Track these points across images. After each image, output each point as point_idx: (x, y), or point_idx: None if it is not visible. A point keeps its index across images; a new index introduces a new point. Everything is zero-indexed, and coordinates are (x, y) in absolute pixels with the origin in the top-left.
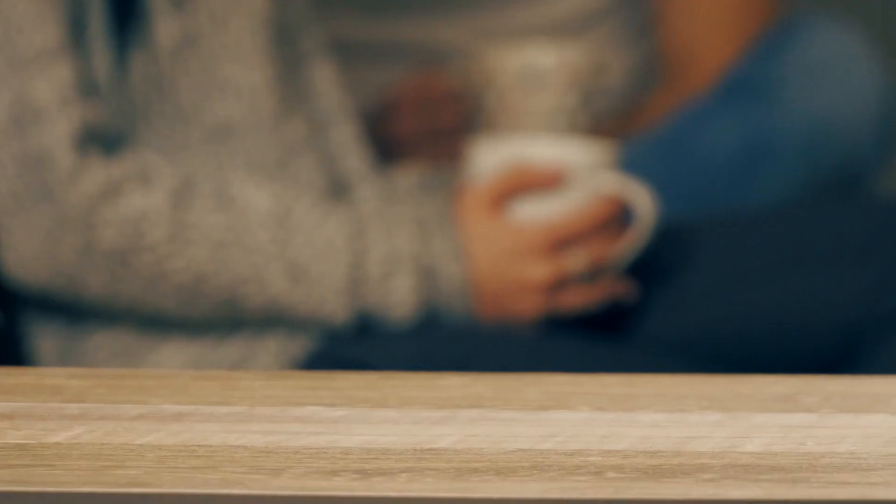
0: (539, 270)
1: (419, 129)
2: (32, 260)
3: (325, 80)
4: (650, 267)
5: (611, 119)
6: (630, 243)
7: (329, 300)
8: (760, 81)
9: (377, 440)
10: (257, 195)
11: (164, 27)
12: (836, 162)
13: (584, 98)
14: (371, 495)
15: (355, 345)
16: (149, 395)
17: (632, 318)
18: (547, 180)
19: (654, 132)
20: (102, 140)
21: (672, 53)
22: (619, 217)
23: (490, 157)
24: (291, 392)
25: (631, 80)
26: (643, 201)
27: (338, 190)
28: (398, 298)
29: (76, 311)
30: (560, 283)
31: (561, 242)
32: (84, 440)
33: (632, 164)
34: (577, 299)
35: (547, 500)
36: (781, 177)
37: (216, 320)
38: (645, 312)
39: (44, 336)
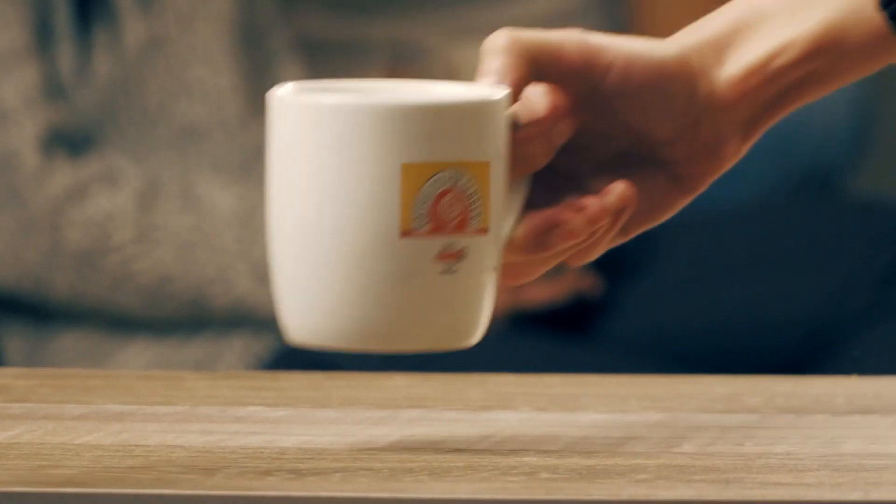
0: None
1: None
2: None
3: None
4: (616, 265)
5: None
6: None
7: None
8: None
9: (315, 440)
10: (223, 196)
11: (131, 29)
12: (808, 162)
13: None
14: (302, 495)
15: None
16: (93, 396)
17: (596, 318)
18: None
19: None
20: (68, 141)
21: None
22: None
23: None
24: (234, 392)
25: None
26: None
27: None
28: None
29: (43, 312)
30: None
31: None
32: (24, 440)
33: None
34: (541, 294)
35: (477, 501)
36: (752, 176)
37: (182, 320)
38: (609, 312)
39: (10, 336)
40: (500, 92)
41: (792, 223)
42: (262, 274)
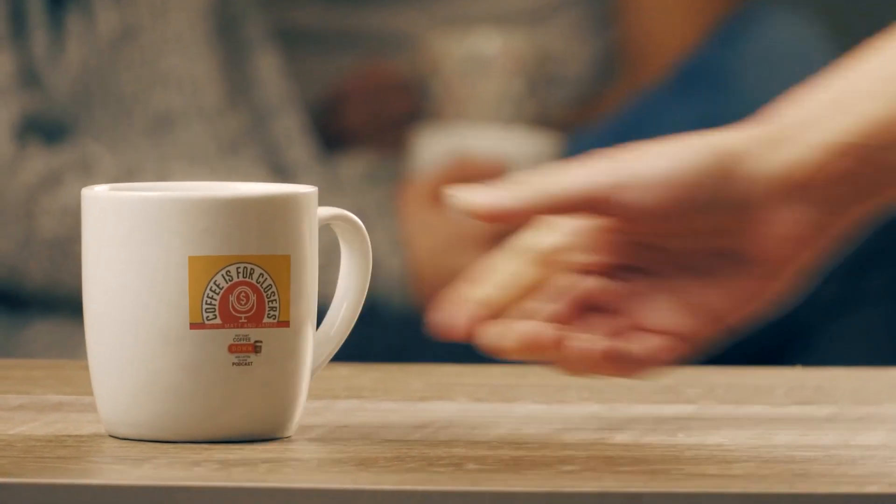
0: (479, 262)
1: (368, 119)
2: None
3: (269, 69)
4: None
5: (570, 109)
6: None
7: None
8: (716, 70)
9: None
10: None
11: (104, 18)
12: None
13: (530, 86)
14: (227, 486)
15: None
16: (34, 386)
17: None
18: (489, 172)
19: (609, 121)
20: (43, 129)
21: (633, 43)
22: None
23: (433, 149)
24: None
25: (591, 69)
26: None
27: (281, 179)
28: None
29: (16, 301)
30: None
31: (502, 234)
32: None
33: (586, 152)
34: None
35: (399, 492)
36: None
37: None
38: None
39: None
40: (304, 188)
41: None
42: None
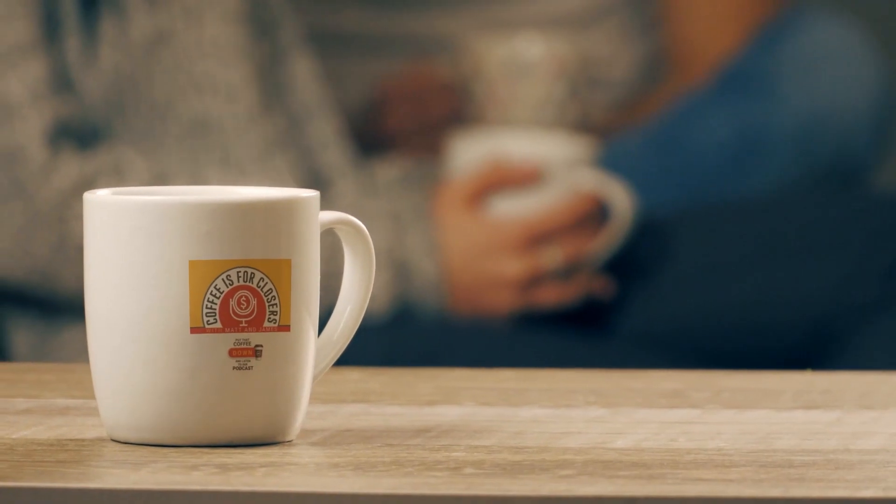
0: (514, 266)
1: (410, 122)
2: (6, 256)
3: (304, 74)
4: (627, 262)
5: (613, 113)
6: (607, 240)
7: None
8: (756, 74)
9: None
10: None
11: (137, 23)
12: (831, 156)
13: (572, 89)
14: (222, 489)
15: None
16: (43, 390)
17: (608, 313)
18: (524, 176)
19: (650, 124)
20: (76, 135)
21: (676, 48)
22: (597, 214)
23: (469, 152)
24: None
25: (635, 74)
26: (620, 198)
27: (317, 184)
28: (371, 292)
29: (50, 306)
30: (535, 280)
31: (537, 238)
32: None
33: (627, 156)
34: (552, 296)
35: (394, 496)
36: (775, 170)
37: None
38: (621, 307)
39: (18, 330)
40: (305, 193)
41: (806, 216)
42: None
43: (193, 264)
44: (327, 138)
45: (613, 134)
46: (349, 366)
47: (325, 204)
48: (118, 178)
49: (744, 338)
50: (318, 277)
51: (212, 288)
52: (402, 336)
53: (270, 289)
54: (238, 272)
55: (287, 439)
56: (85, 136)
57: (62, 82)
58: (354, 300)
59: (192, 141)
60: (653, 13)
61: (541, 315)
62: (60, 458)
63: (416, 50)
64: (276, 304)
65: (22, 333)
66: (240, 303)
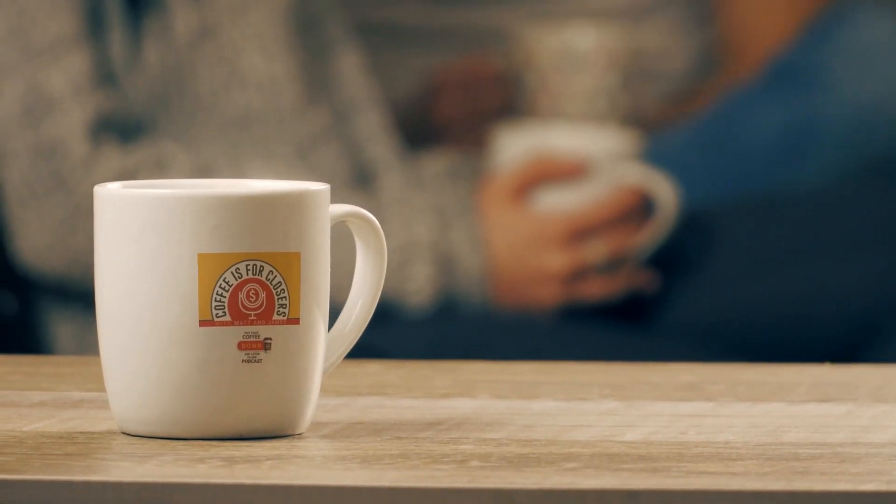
0: (558, 260)
1: (460, 112)
2: (47, 249)
3: (351, 68)
4: (671, 256)
5: (666, 105)
6: (651, 234)
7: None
8: (807, 67)
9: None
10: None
11: (182, 17)
12: (880, 149)
13: (624, 81)
14: (225, 482)
15: (372, 331)
16: (59, 382)
17: (651, 307)
18: (569, 170)
19: (700, 117)
20: (118, 129)
21: (732, 40)
22: (641, 208)
23: (514, 146)
24: None
25: (689, 66)
26: (665, 192)
27: (364, 178)
28: (416, 286)
29: (92, 299)
30: (579, 273)
31: (581, 232)
32: None
33: (675, 150)
34: (596, 289)
35: (398, 489)
36: (824, 163)
37: None
38: (665, 301)
39: (61, 324)
40: (314, 185)
41: (852, 209)
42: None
43: (202, 257)
44: (374, 132)
45: (665, 127)
46: (383, 359)
47: (370, 197)
48: (160, 171)
49: (788, 331)
50: (328, 270)
51: (220, 281)
52: (447, 330)
53: (280, 282)
54: (247, 265)
55: (297, 432)
56: (127, 129)
57: (105, 76)
58: (366, 294)
59: (235, 134)
60: (708, 6)
61: (585, 309)
62: (68, 450)
63: (469, 42)
64: (285, 297)
65: (64, 327)
66: (249, 296)
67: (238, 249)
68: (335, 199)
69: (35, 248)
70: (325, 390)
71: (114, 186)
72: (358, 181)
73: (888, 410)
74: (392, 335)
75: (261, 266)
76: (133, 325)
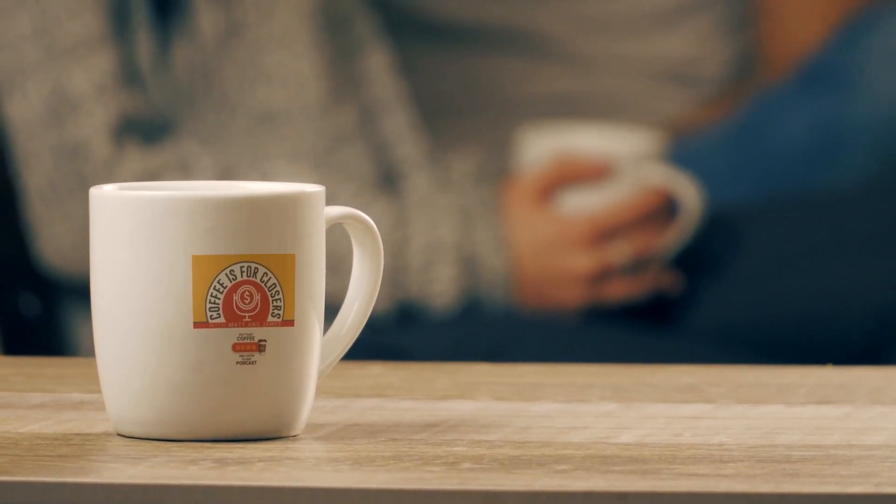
0: (582, 261)
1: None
2: (71, 250)
3: (379, 67)
4: (696, 257)
5: (702, 109)
6: (675, 235)
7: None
8: (837, 69)
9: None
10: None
11: (209, 16)
12: None
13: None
14: (215, 484)
15: (396, 333)
16: (60, 384)
17: (676, 308)
18: (593, 171)
19: (730, 119)
20: (142, 130)
21: (769, 45)
22: (665, 209)
23: (539, 147)
24: None
25: (728, 70)
26: (689, 193)
27: (390, 178)
28: (439, 288)
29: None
30: (603, 274)
31: (605, 234)
32: None
33: (705, 151)
34: (620, 290)
35: (387, 491)
36: (853, 165)
37: None
38: (689, 302)
39: (84, 324)
40: (309, 187)
41: (878, 212)
42: (335, 262)
43: (196, 259)
44: (402, 131)
45: (698, 129)
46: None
47: (396, 198)
48: (183, 172)
49: (813, 332)
50: (324, 272)
51: (215, 283)
52: (470, 331)
53: (274, 284)
54: (241, 267)
55: (292, 434)
56: (152, 130)
57: (130, 76)
58: (363, 295)
59: (260, 134)
60: (745, 10)
61: (609, 310)
62: (62, 452)
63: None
64: (279, 299)
65: (87, 328)
66: (243, 298)
67: (232, 251)
68: (360, 199)
69: (58, 248)
70: (325, 392)
71: (109, 188)
72: (384, 181)
73: (886, 412)
74: (416, 336)
75: (255, 268)
76: (128, 327)
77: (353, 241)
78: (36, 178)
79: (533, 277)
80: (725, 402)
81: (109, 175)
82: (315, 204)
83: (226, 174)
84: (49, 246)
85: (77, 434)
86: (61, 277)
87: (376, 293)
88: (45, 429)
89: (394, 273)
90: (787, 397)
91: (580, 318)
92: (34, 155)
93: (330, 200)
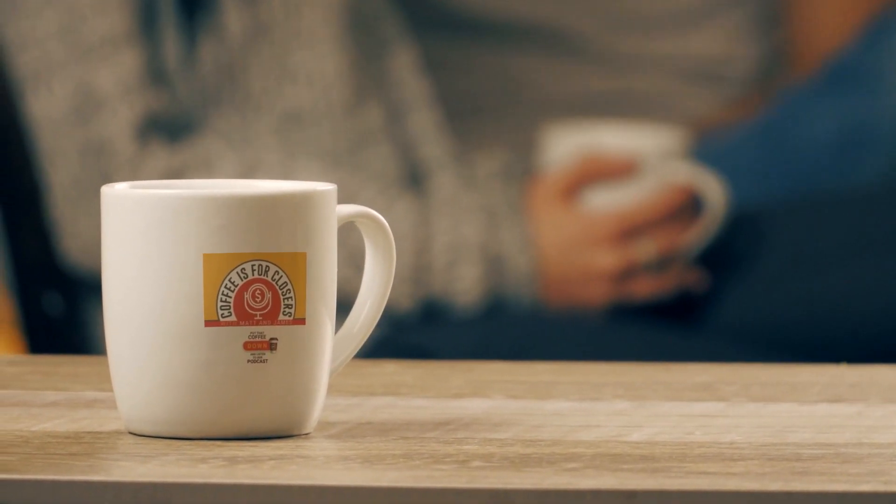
0: (607, 259)
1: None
2: (95, 248)
3: (405, 67)
4: (721, 254)
5: (729, 107)
6: (700, 233)
7: (394, 288)
8: (863, 69)
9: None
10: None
11: (235, 15)
12: None
13: (687, 84)
14: (225, 482)
15: (420, 332)
16: (75, 382)
17: (701, 306)
18: (618, 169)
19: (756, 118)
20: (166, 128)
21: (797, 44)
22: (690, 206)
23: (564, 145)
24: None
25: (756, 70)
26: (714, 191)
27: (416, 177)
28: (463, 286)
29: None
30: (628, 272)
31: (630, 231)
32: None
33: (730, 150)
34: (645, 288)
35: (397, 489)
36: (878, 163)
37: None
38: (715, 300)
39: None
40: (321, 185)
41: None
42: (358, 263)
43: (207, 257)
44: (427, 131)
45: (724, 128)
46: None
47: (422, 197)
48: (207, 170)
49: (838, 331)
50: (335, 271)
51: (226, 281)
52: (495, 329)
53: (286, 282)
54: (252, 265)
55: (303, 432)
56: (176, 129)
57: (155, 75)
58: (375, 294)
59: (286, 133)
60: (773, 10)
61: (634, 308)
62: (73, 450)
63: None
64: (291, 297)
65: None
66: (254, 296)
67: (243, 249)
68: (384, 198)
69: (83, 247)
70: (338, 390)
71: (121, 187)
72: (409, 181)
73: None
74: (441, 335)
75: (266, 266)
76: (139, 325)
77: (365, 239)
78: (61, 177)
79: (558, 276)
80: (738, 401)
81: (134, 173)
82: (326, 202)
83: (249, 173)
84: (74, 244)
85: (88, 432)
86: (86, 276)
87: (388, 291)
88: (58, 427)
89: (418, 272)
90: (800, 395)
91: (605, 316)
92: (59, 153)
93: (354, 199)
